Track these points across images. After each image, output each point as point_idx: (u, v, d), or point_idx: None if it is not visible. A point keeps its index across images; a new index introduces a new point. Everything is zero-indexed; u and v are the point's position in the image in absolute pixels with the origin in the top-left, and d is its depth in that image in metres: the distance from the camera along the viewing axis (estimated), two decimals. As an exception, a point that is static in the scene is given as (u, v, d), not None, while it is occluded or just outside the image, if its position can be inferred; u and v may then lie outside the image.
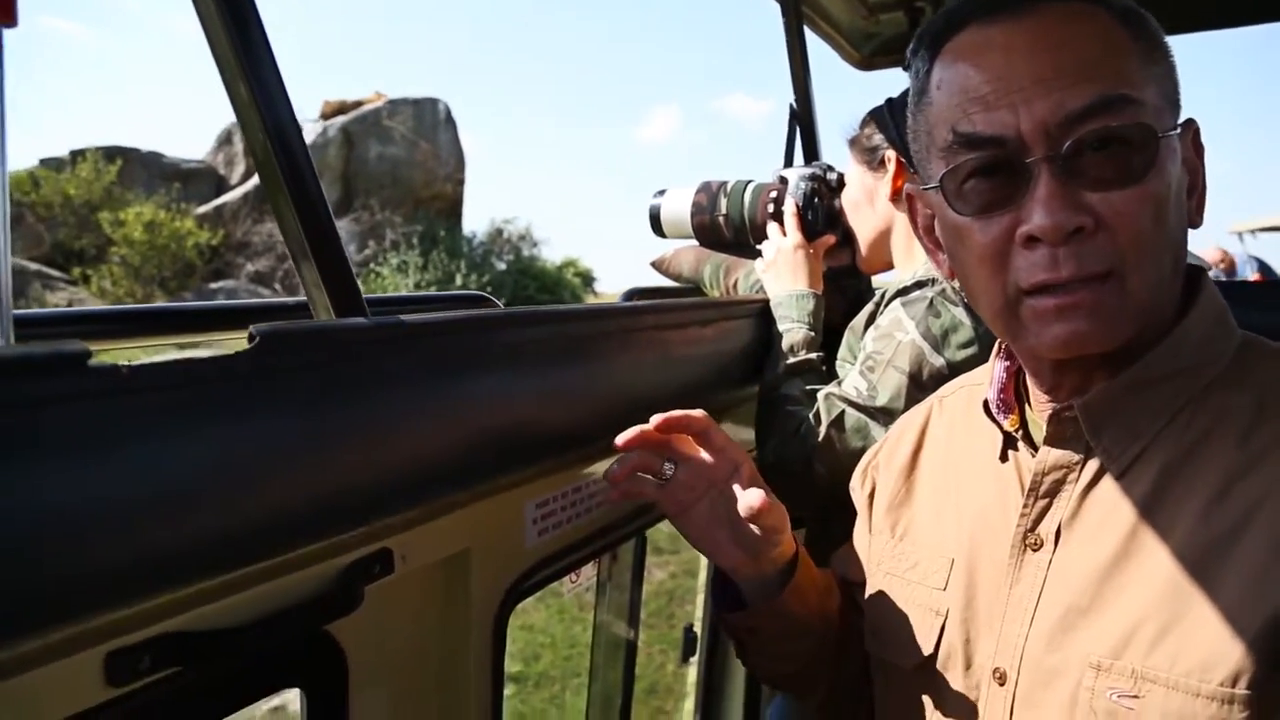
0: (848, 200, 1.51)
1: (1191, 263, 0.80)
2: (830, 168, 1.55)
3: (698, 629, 1.95)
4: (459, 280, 17.87)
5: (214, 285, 15.67)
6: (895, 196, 1.43)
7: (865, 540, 1.02)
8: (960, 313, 1.25)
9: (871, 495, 1.02)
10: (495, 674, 1.02)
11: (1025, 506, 0.81)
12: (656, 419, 0.89)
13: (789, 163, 1.67)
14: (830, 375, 1.40)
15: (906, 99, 1.38)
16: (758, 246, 1.56)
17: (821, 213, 1.51)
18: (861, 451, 1.21)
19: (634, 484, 0.93)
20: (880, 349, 1.28)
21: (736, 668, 2.02)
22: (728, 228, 1.57)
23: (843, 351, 1.43)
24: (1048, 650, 0.76)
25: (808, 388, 1.34)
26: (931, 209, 0.84)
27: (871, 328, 1.33)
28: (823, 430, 1.26)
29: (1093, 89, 0.69)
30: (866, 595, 0.98)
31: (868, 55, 2.26)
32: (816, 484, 1.27)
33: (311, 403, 0.60)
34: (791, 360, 1.37)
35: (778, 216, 1.52)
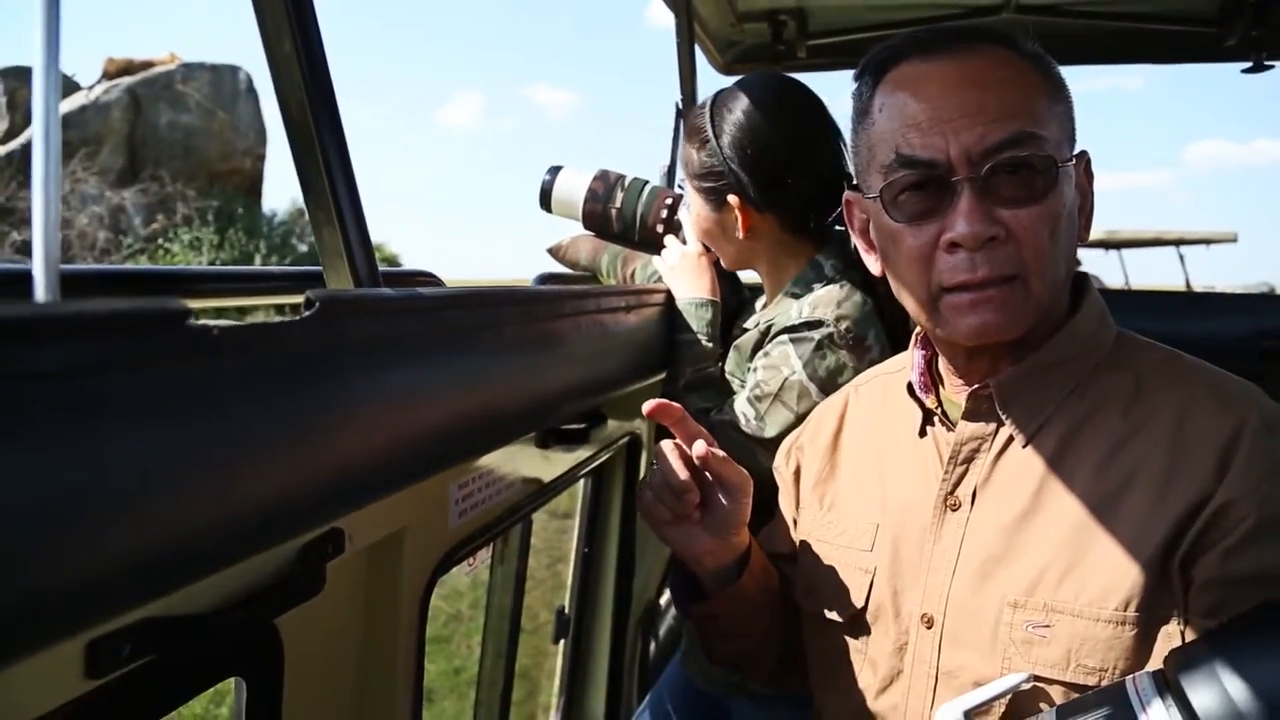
0: (696, 225, 1.50)
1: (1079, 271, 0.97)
2: None
3: (569, 611, 1.99)
4: (258, 261, 16.86)
5: (-30, 254, 13.91)
6: (748, 235, 1.43)
7: (791, 514, 1.13)
8: (845, 355, 1.33)
9: (796, 473, 1.13)
10: (419, 649, 1.02)
11: (945, 473, 0.93)
12: (649, 406, 0.96)
13: (674, 158, 1.72)
14: (724, 382, 1.47)
15: (726, 114, 1.43)
16: (636, 242, 1.62)
17: None
18: (749, 469, 1.29)
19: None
20: (768, 379, 1.35)
21: (602, 646, 2.07)
22: (618, 221, 1.60)
23: (729, 366, 1.49)
24: (970, 594, 0.88)
25: (703, 405, 1.40)
26: (868, 214, 0.96)
27: (761, 354, 1.39)
28: None
29: (1010, 125, 0.84)
30: (799, 561, 1.07)
31: (729, 61, 2.37)
32: None
33: (361, 370, 0.58)
34: (689, 375, 1.43)
35: (669, 224, 1.57)
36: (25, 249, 14.59)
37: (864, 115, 0.93)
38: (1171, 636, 0.79)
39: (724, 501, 0.97)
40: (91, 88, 16.38)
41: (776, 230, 1.44)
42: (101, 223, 15.14)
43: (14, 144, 15.44)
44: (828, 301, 1.36)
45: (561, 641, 2.00)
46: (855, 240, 1.01)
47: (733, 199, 1.42)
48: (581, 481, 1.99)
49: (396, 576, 0.96)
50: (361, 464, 0.76)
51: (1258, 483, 0.79)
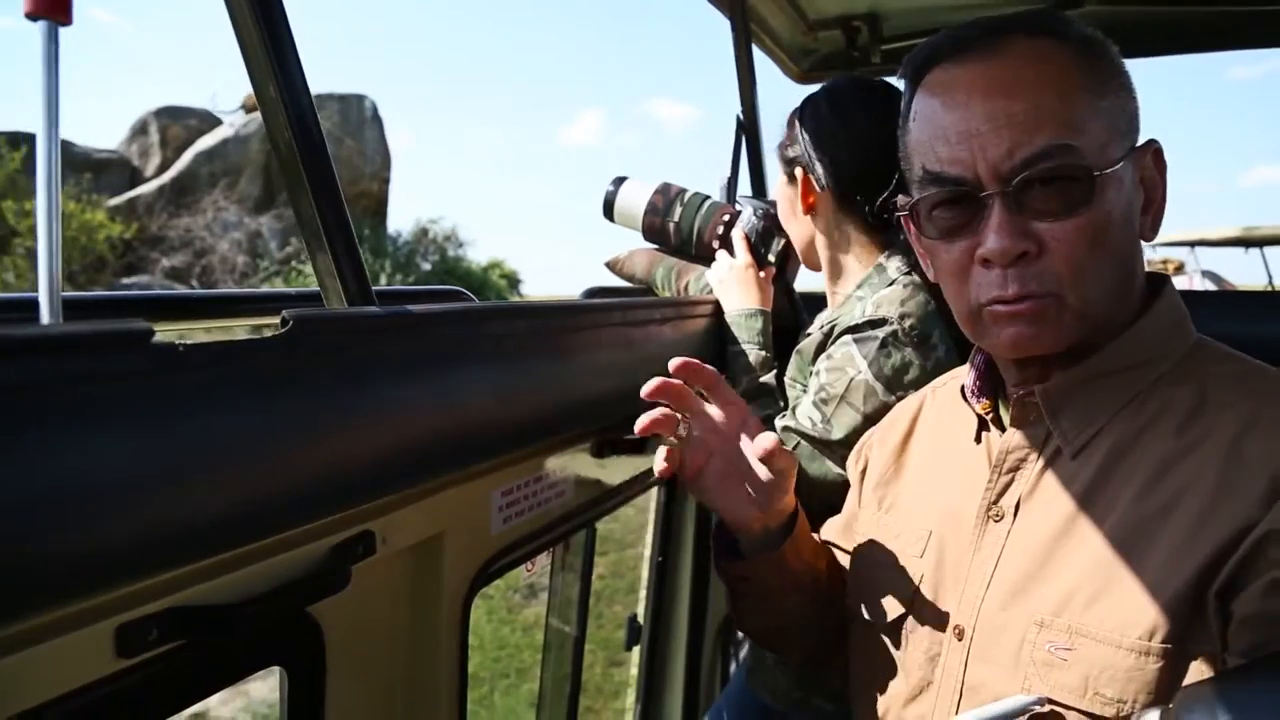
0: (779, 208, 1.58)
1: (1157, 272, 0.92)
2: None
3: (641, 620, 2.01)
4: (384, 280, 17.64)
5: (127, 280, 15.12)
6: (808, 211, 1.49)
7: (854, 510, 1.12)
8: (910, 353, 1.32)
9: (864, 471, 1.12)
10: (462, 653, 1.07)
11: (990, 482, 0.90)
12: (674, 363, 0.93)
13: (735, 172, 1.74)
14: (782, 390, 1.48)
15: (814, 107, 1.47)
16: (694, 256, 1.64)
17: (768, 248, 1.59)
18: (817, 477, 1.30)
19: (664, 455, 0.96)
20: (833, 381, 1.34)
21: (678, 657, 2.09)
22: (675, 235, 1.63)
23: (791, 371, 1.49)
24: (1000, 609, 0.85)
25: (762, 414, 1.40)
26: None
27: (824, 357, 1.39)
28: None
29: (1041, 137, 0.79)
30: (852, 560, 1.06)
31: (807, 70, 2.36)
32: None
33: (332, 385, 0.64)
34: (745, 384, 1.44)
35: (725, 240, 1.59)
36: (175, 274, 15.74)
37: (905, 120, 0.91)
38: (1205, 675, 0.73)
39: (767, 477, 0.96)
40: (233, 121, 17.53)
41: (835, 213, 1.47)
42: (240, 247, 16.18)
43: (165, 178, 16.68)
44: (891, 300, 1.36)
45: (635, 650, 2.04)
46: (915, 247, 0.97)
47: (798, 172, 1.49)
48: (655, 490, 2.02)
49: (437, 579, 1.01)
50: (390, 466, 0.81)
51: None
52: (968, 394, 0.97)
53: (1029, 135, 0.80)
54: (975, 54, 0.84)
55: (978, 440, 0.96)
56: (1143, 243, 0.89)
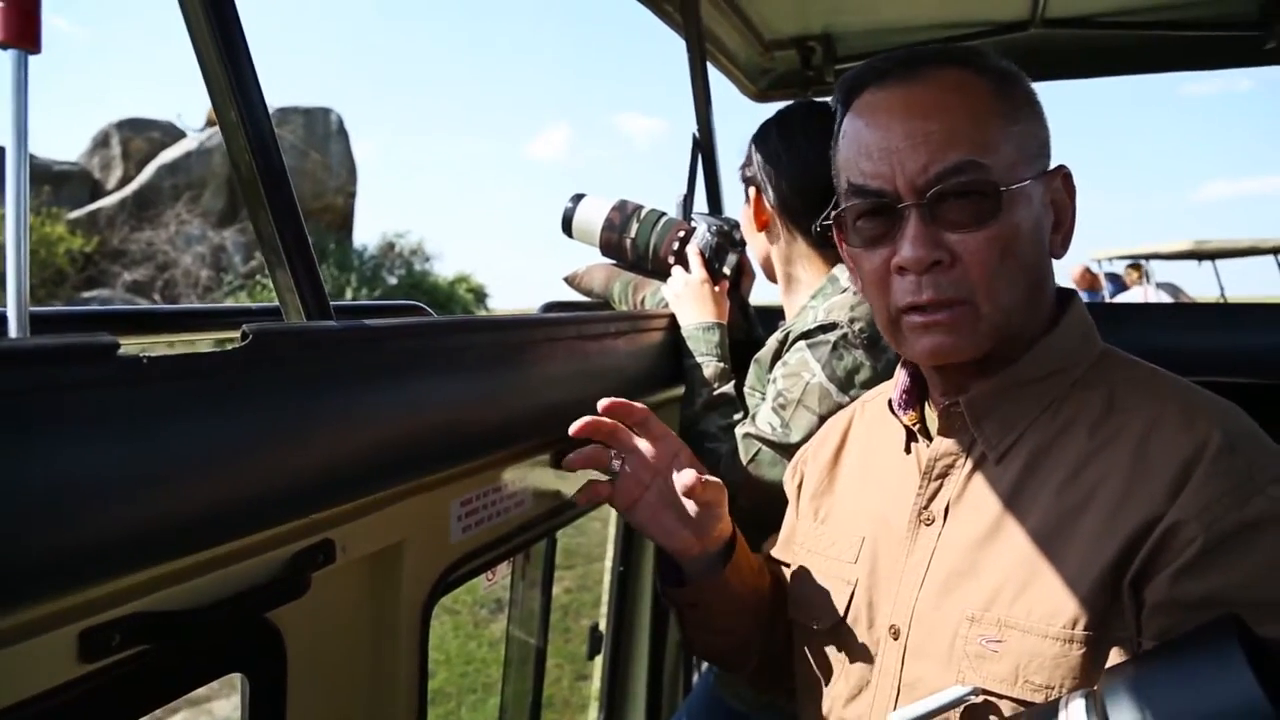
0: (742, 224, 1.66)
1: (1066, 286, 0.98)
2: (737, 225, 1.67)
3: (603, 628, 2.04)
4: (349, 294, 17.49)
5: (87, 294, 14.88)
6: (761, 228, 1.58)
7: (793, 523, 1.17)
8: (861, 355, 1.38)
9: (800, 485, 1.18)
10: (421, 661, 1.09)
11: (920, 488, 0.96)
12: (604, 403, 1.00)
13: (691, 189, 1.78)
14: (741, 400, 1.53)
15: (765, 131, 1.54)
16: (650, 271, 1.69)
17: (722, 263, 1.64)
18: (779, 482, 1.34)
19: (591, 487, 1.05)
20: (789, 387, 1.40)
21: (640, 665, 2.11)
22: (632, 251, 1.67)
23: (750, 380, 1.55)
24: (932, 608, 0.91)
25: (723, 423, 1.46)
26: None
27: (779, 364, 1.45)
28: (742, 469, 1.39)
29: (954, 154, 0.86)
30: (790, 569, 1.11)
31: (763, 89, 2.42)
32: (738, 514, 1.33)
33: (291, 397, 0.66)
34: (706, 396, 1.49)
35: (680, 256, 1.64)
36: (137, 288, 15.52)
37: (836, 141, 0.98)
38: (1124, 659, 0.78)
39: (697, 509, 1.03)
40: (197, 135, 17.36)
41: (785, 231, 1.55)
42: (204, 261, 16.00)
43: (127, 191, 16.46)
44: (841, 306, 1.42)
45: (598, 660, 2.06)
46: (845, 259, 1.02)
47: (752, 191, 1.58)
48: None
49: (396, 587, 1.03)
50: (351, 476, 0.83)
51: (1209, 503, 0.78)
52: (895, 407, 1.02)
53: (943, 153, 0.86)
54: (898, 80, 0.90)
55: (907, 450, 1.01)
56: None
